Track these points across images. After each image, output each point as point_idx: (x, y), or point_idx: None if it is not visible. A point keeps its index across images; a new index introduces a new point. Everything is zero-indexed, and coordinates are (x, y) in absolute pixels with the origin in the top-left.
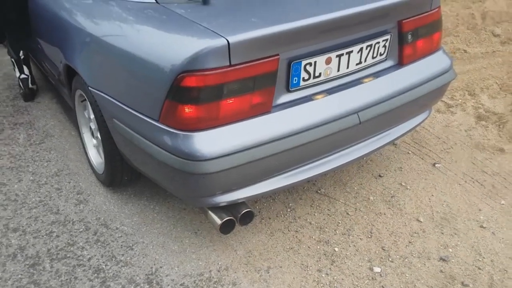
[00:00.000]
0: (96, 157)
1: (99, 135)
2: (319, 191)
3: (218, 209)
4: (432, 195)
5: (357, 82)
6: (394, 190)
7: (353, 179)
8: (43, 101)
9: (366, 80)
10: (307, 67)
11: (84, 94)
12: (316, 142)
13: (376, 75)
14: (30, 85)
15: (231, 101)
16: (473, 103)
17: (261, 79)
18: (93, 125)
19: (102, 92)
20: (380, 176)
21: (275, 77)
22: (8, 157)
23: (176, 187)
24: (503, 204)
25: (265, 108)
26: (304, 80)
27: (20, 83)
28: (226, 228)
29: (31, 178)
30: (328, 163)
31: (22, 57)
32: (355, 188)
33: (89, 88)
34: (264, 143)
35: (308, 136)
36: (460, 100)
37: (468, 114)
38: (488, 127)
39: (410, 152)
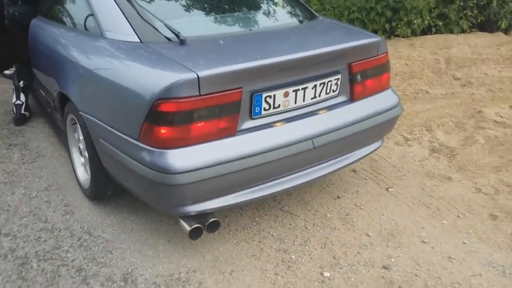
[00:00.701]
0: (83, 174)
1: (86, 154)
2: (283, 209)
3: (189, 217)
4: (383, 215)
5: (312, 113)
6: (349, 209)
7: (314, 199)
8: (37, 125)
9: (320, 112)
10: (267, 99)
11: (75, 118)
12: (275, 163)
13: (330, 108)
14: (22, 111)
15: (200, 125)
16: (429, 137)
17: (227, 107)
18: (82, 145)
19: (91, 115)
20: (338, 197)
21: (239, 106)
22: (2, 173)
23: (152, 197)
24: (444, 223)
25: (230, 132)
26: (265, 109)
27: (14, 108)
28: (195, 234)
29: (23, 191)
30: (287, 182)
31: (21, 85)
32: (315, 206)
33: (80, 112)
34: (229, 161)
35: (268, 157)
36: (417, 135)
37: (423, 147)
38: (440, 158)
39: (367, 178)
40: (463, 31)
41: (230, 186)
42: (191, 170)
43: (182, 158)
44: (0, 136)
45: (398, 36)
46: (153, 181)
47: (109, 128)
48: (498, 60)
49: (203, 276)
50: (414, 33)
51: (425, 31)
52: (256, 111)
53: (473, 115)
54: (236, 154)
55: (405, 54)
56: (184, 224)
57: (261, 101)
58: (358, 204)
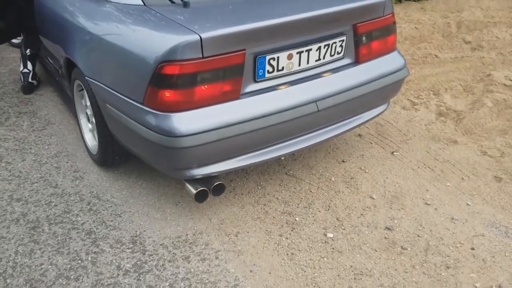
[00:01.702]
0: (91, 140)
1: (94, 120)
2: (288, 173)
3: (194, 181)
4: (387, 178)
5: (317, 76)
6: (354, 173)
7: (319, 163)
8: (45, 93)
9: (325, 74)
10: (271, 61)
11: (81, 84)
12: (279, 126)
13: (334, 71)
14: (29, 80)
15: (204, 88)
16: (436, 101)
17: (230, 70)
18: (89, 111)
19: (96, 80)
20: (343, 161)
21: (242, 69)
22: (13, 140)
23: (158, 161)
24: (448, 186)
25: (234, 95)
26: (268, 72)
27: (21, 76)
28: (200, 197)
29: (33, 158)
30: (292, 145)
31: (28, 54)
32: (320, 170)
33: (86, 77)
34: (233, 125)
35: (272, 120)
36: (425, 99)
37: (430, 111)
38: (446, 122)
39: (372, 142)
40: None
41: (234, 149)
42: (196, 133)
43: (187, 121)
44: (10, 104)
45: None
46: (158, 144)
47: (114, 92)
48: (511, 23)
49: (209, 238)
50: None
51: None
52: (260, 74)
53: (482, 78)
54: (240, 118)
55: (415, 17)
56: (190, 187)
57: (265, 64)
58: (362, 168)
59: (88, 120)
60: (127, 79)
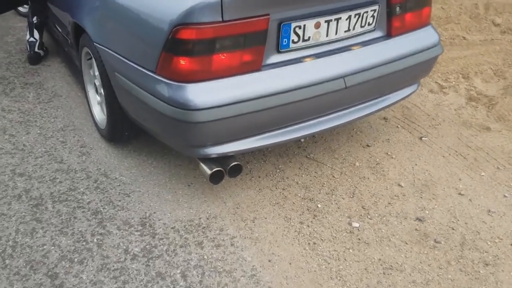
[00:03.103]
0: (99, 113)
1: (102, 91)
2: (308, 156)
3: (209, 160)
4: (416, 165)
5: (345, 49)
6: (379, 158)
7: (342, 147)
8: (53, 64)
9: (354, 47)
10: (297, 29)
11: (90, 51)
12: (303, 102)
13: (364, 44)
14: (36, 49)
15: (223, 56)
16: (466, 85)
17: (252, 37)
18: (98, 82)
19: (106, 47)
20: (368, 145)
21: (265, 37)
22: (17, 112)
23: (171, 137)
24: (483, 175)
25: (255, 66)
26: (293, 42)
27: (27, 46)
28: (216, 178)
29: (38, 131)
30: (315, 125)
31: (35, 22)
32: (343, 155)
33: (95, 44)
34: (253, 99)
35: (295, 95)
36: (453, 82)
37: (459, 95)
38: (477, 107)
39: (399, 126)
40: None
41: (253, 127)
42: (212, 107)
43: (203, 93)
44: (16, 75)
45: None
46: (171, 118)
47: (125, 60)
48: None
49: (224, 223)
50: None
51: None
52: (284, 43)
53: None
54: (260, 92)
55: None
56: (205, 167)
57: (290, 32)
58: (389, 153)
59: (97, 91)
60: (139, 44)
